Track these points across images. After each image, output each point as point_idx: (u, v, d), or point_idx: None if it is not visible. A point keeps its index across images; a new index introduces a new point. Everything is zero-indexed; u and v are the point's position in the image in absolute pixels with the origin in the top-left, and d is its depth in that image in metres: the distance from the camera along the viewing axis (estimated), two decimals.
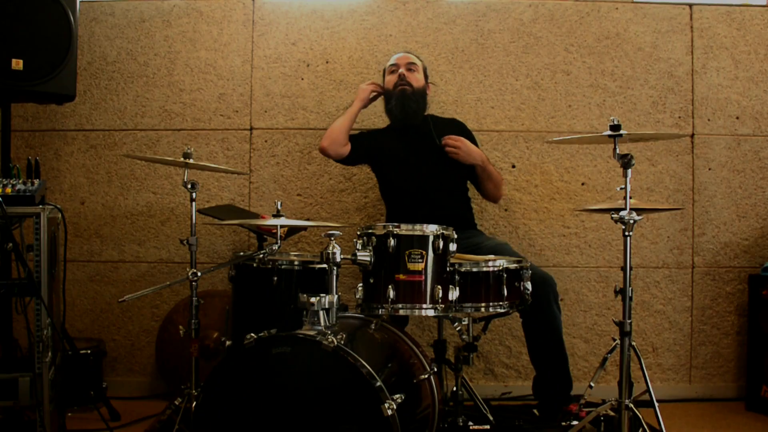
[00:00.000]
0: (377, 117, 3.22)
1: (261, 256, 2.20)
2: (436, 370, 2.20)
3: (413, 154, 2.83)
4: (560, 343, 2.50)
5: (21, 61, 2.54)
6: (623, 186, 2.11)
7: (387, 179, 2.92)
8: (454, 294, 2.06)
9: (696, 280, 3.29)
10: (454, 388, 2.47)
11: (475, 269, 2.12)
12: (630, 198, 2.11)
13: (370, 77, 3.27)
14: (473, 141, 2.90)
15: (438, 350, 2.51)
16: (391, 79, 2.86)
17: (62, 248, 2.55)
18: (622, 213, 2.09)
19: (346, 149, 2.83)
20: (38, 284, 2.13)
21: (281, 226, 2.15)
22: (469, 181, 2.94)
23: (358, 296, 2.07)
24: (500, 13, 3.30)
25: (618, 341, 2.14)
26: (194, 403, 2.17)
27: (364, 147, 2.90)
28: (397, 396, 1.76)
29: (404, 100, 2.81)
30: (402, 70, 2.84)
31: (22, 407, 2.18)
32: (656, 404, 2.15)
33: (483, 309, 2.14)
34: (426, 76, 2.93)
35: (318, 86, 3.29)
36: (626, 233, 2.10)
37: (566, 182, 3.29)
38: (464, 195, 2.94)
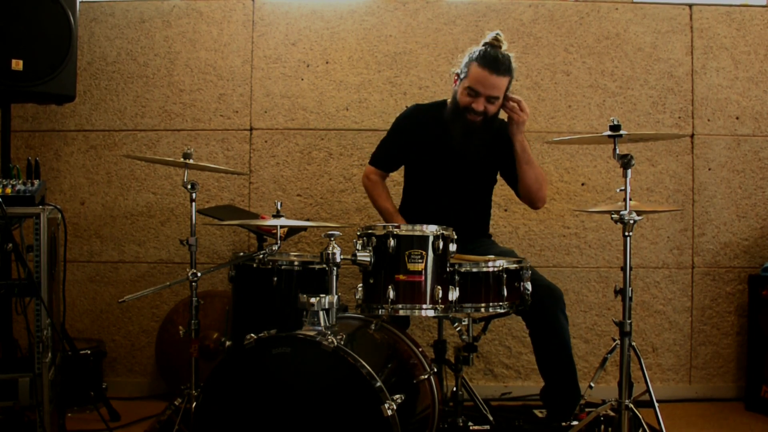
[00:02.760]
0: (377, 117, 3.23)
1: (261, 256, 2.20)
2: (436, 370, 2.19)
3: (452, 159, 2.63)
4: (568, 354, 2.45)
5: (21, 62, 2.54)
6: (623, 188, 2.11)
7: (416, 177, 2.76)
8: (454, 294, 2.06)
9: (696, 281, 3.29)
10: (454, 389, 2.47)
11: (475, 269, 2.12)
12: (630, 200, 2.11)
13: (370, 77, 3.27)
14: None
15: (438, 350, 2.51)
16: (464, 99, 2.49)
17: (62, 249, 2.54)
18: (622, 213, 2.09)
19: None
20: (38, 285, 2.12)
21: (281, 227, 2.14)
22: (503, 183, 2.76)
23: (358, 296, 2.07)
24: (500, 14, 3.30)
25: (618, 341, 2.14)
26: (194, 403, 2.18)
27: (401, 160, 2.78)
28: (397, 396, 1.76)
29: (470, 133, 2.53)
30: (481, 103, 2.47)
31: (22, 407, 2.18)
32: (656, 404, 2.15)
33: (483, 309, 2.13)
34: (507, 90, 2.53)
35: (318, 86, 3.29)
36: (626, 233, 2.10)
37: (566, 182, 3.29)
38: (486, 205, 2.80)
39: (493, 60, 2.45)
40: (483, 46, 2.52)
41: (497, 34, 2.54)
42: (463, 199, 2.69)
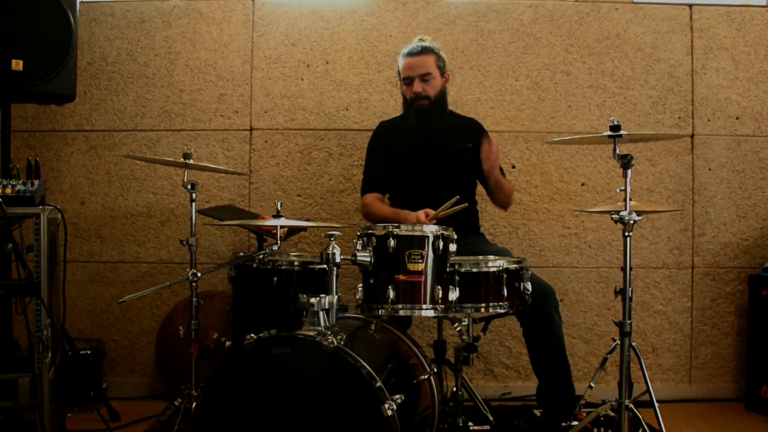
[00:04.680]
0: (377, 117, 3.23)
1: (261, 256, 2.20)
2: (436, 370, 2.19)
3: (427, 155, 2.75)
4: (562, 352, 2.47)
5: (21, 62, 2.54)
6: (623, 188, 2.11)
7: (397, 178, 2.82)
8: (454, 294, 2.06)
9: (696, 281, 3.29)
10: (454, 389, 2.47)
11: (475, 269, 2.12)
12: (630, 200, 2.11)
13: (370, 78, 3.28)
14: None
15: (438, 351, 2.51)
16: (407, 91, 2.74)
17: (62, 249, 2.54)
18: (622, 213, 2.09)
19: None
20: (38, 285, 2.13)
21: (281, 227, 2.14)
22: (479, 183, 2.87)
23: (358, 297, 2.07)
24: (500, 14, 3.30)
25: (618, 342, 2.14)
26: (194, 403, 2.18)
27: (386, 172, 2.81)
28: (397, 396, 1.76)
29: (423, 118, 2.71)
30: (417, 84, 2.69)
31: (22, 407, 2.18)
32: (656, 404, 2.15)
33: (483, 309, 2.14)
34: (443, 70, 2.75)
35: (318, 87, 3.29)
36: (626, 234, 2.10)
37: (566, 183, 3.29)
38: (472, 200, 2.87)
39: (410, 49, 2.75)
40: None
41: (419, 38, 2.83)
42: (446, 194, 2.62)
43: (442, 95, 2.75)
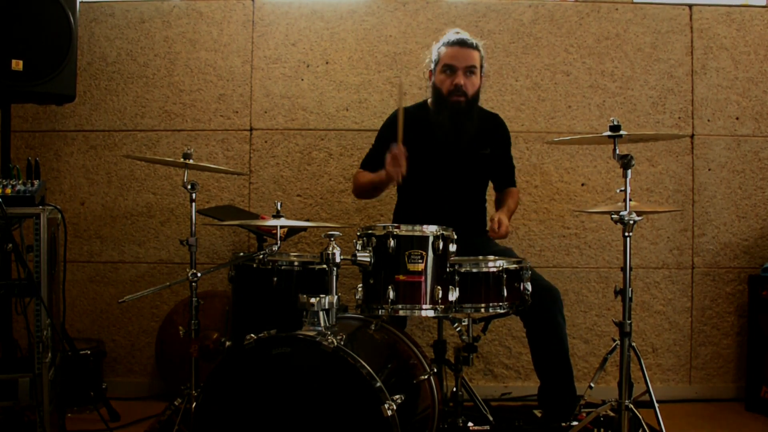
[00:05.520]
0: (377, 117, 3.23)
1: (261, 256, 2.19)
2: (435, 370, 2.19)
3: (443, 156, 2.65)
4: (565, 354, 2.46)
5: (21, 62, 2.54)
6: (623, 188, 2.11)
7: (408, 179, 2.68)
8: (453, 294, 2.06)
9: (696, 281, 3.29)
10: (454, 389, 2.47)
11: (475, 269, 2.12)
12: (630, 200, 2.11)
13: (370, 78, 3.27)
14: (508, 141, 2.84)
15: (438, 351, 2.51)
16: (444, 81, 2.55)
17: (62, 249, 2.54)
18: (622, 213, 2.09)
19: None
20: (38, 285, 2.13)
21: (281, 227, 2.14)
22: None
23: (357, 297, 2.07)
24: (500, 14, 3.30)
25: (618, 342, 2.14)
26: (194, 403, 2.18)
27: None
28: (397, 396, 1.76)
29: (457, 116, 2.55)
30: (460, 77, 2.51)
31: (22, 408, 2.18)
32: (656, 405, 2.16)
33: (483, 309, 2.14)
34: (482, 70, 2.62)
35: (318, 87, 3.29)
36: (626, 234, 2.10)
37: (566, 183, 3.29)
38: (481, 202, 2.83)
39: (460, 38, 2.57)
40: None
41: (457, 30, 2.65)
42: (457, 196, 2.68)
43: (476, 97, 2.62)
